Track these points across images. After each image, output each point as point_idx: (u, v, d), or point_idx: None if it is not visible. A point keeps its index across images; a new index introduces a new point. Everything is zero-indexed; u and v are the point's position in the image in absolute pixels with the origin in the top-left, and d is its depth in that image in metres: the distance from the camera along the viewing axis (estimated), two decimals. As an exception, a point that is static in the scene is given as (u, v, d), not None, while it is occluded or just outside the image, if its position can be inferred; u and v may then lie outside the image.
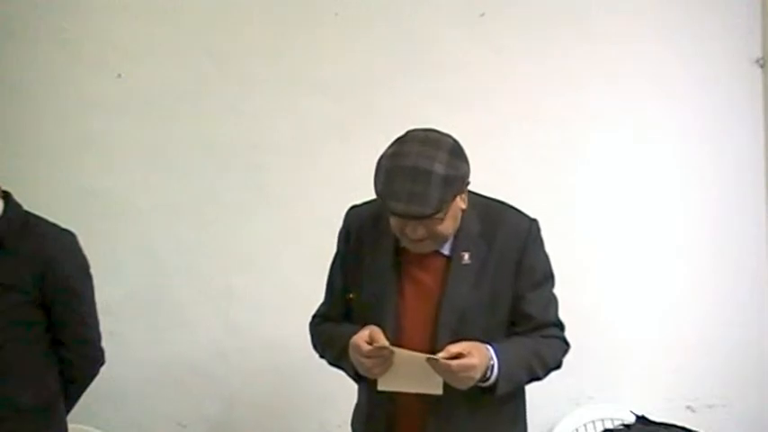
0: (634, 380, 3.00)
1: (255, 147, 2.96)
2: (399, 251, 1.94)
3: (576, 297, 2.94)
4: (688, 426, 2.59)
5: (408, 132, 1.87)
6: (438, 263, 1.93)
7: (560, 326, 2.02)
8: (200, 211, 2.96)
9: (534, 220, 2.01)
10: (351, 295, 2.00)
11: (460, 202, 1.87)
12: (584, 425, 2.90)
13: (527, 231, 1.98)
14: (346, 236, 2.05)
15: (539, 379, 1.98)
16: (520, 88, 2.98)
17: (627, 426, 2.64)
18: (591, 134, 3.00)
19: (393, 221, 1.85)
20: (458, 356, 1.77)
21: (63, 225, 2.15)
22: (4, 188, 2.10)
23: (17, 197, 2.12)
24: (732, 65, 3.03)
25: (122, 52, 2.96)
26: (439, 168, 1.76)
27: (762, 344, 3.05)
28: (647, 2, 3.01)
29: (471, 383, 1.80)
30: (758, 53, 3.03)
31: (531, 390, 2.91)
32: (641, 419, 2.64)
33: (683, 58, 3.01)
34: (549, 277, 2.02)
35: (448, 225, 1.85)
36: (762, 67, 3.03)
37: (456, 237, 1.91)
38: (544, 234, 2.90)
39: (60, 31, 2.96)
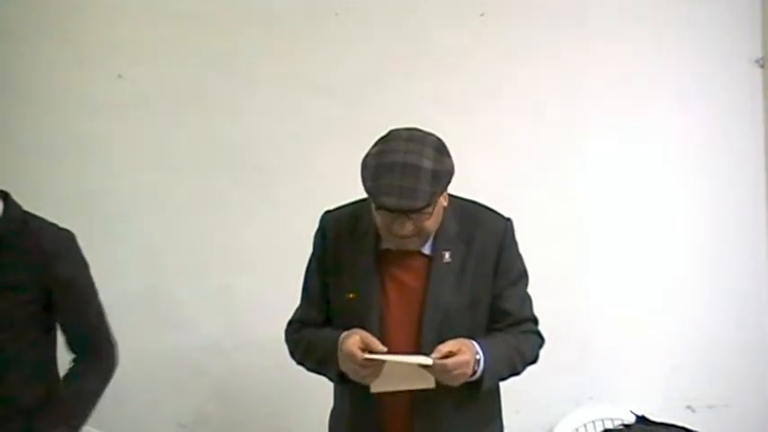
0: (634, 380, 3.00)
1: (256, 147, 2.96)
2: (379, 253, 1.95)
3: (576, 297, 2.97)
4: (688, 426, 2.59)
5: (391, 132, 1.88)
6: (419, 263, 1.94)
7: (536, 321, 2.05)
8: (201, 211, 2.96)
9: (509, 220, 2.02)
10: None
11: (443, 200, 1.88)
12: (584, 425, 2.90)
13: (503, 231, 1.99)
14: (323, 239, 2.04)
15: (517, 374, 2.00)
16: (520, 88, 2.98)
17: (627, 426, 2.64)
18: (591, 134, 3.00)
19: (380, 218, 1.84)
20: (449, 355, 1.79)
21: (63, 225, 2.15)
22: (3, 188, 2.10)
23: (18, 197, 2.11)
24: (732, 65, 3.03)
25: (123, 52, 2.96)
26: (427, 164, 1.78)
27: (762, 344, 3.05)
28: (646, 2, 3.01)
29: (464, 379, 1.82)
30: (758, 53, 3.03)
31: (532, 390, 2.95)
32: (641, 419, 2.64)
33: (683, 58, 3.02)
34: (523, 275, 2.03)
35: (433, 221, 1.86)
36: (762, 67, 3.03)
37: (436, 237, 1.92)
38: (544, 234, 2.95)
39: (61, 32, 2.95)
